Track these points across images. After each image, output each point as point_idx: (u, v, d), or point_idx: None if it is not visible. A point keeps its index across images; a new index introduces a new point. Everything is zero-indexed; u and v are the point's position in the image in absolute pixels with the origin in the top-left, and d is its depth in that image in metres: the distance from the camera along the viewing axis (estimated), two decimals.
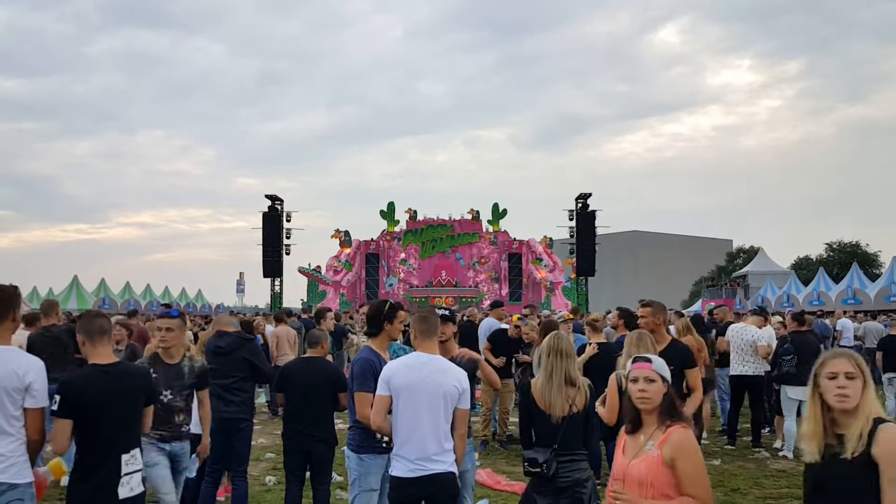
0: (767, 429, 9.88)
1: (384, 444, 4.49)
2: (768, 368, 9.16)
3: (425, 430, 3.87)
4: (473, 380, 5.03)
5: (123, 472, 3.54)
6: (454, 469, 3.98)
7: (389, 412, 4.01)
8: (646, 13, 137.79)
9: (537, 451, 4.00)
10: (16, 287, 3.76)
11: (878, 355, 11.06)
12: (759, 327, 9.53)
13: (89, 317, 3.81)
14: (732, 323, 10.47)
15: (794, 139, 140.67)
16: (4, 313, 3.56)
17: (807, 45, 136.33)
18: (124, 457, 3.56)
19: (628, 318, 7.29)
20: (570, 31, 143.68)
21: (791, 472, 7.84)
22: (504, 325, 10.04)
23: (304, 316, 14.69)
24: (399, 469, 3.91)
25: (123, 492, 3.52)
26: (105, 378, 3.59)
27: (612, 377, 4.85)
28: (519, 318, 9.96)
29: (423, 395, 3.88)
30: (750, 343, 9.24)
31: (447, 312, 5.08)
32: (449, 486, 3.95)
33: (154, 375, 4.50)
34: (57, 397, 3.46)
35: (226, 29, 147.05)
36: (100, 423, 3.52)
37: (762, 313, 10.30)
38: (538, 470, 3.93)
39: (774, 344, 9.17)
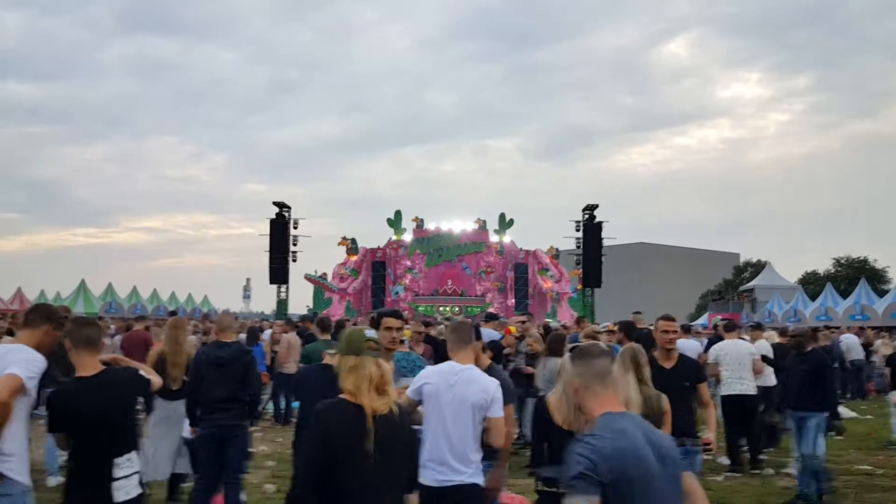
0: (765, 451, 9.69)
1: None
2: (763, 385, 9.03)
3: (451, 440, 3.88)
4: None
5: (116, 475, 3.51)
6: (478, 480, 3.94)
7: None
8: (655, 26, 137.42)
9: (555, 469, 3.94)
10: (65, 313, 3.74)
11: (887, 371, 10.94)
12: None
13: (78, 324, 3.73)
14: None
15: (803, 153, 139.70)
16: (35, 324, 3.62)
17: (816, 59, 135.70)
18: (117, 460, 3.53)
19: (629, 331, 7.24)
20: (578, 44, 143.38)
21: (796, 489, 7.75)
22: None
23: (304, 324, 13.03)
24: (425, 477, 3.90)
25: (119, 496, 3.50)
26: (91, 391, 3.53)
27: None
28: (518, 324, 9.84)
29: (449, 405, 3.90)
30: (748, 357, 8.81)
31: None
32: (472, 498, 3.92)
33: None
34: (46, 413, 3.49)
35: (237, 36, 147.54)
36: (89, 434, 3.51)
37: (735, 327, 9.66)
38: (555, 489, 3.88)
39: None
